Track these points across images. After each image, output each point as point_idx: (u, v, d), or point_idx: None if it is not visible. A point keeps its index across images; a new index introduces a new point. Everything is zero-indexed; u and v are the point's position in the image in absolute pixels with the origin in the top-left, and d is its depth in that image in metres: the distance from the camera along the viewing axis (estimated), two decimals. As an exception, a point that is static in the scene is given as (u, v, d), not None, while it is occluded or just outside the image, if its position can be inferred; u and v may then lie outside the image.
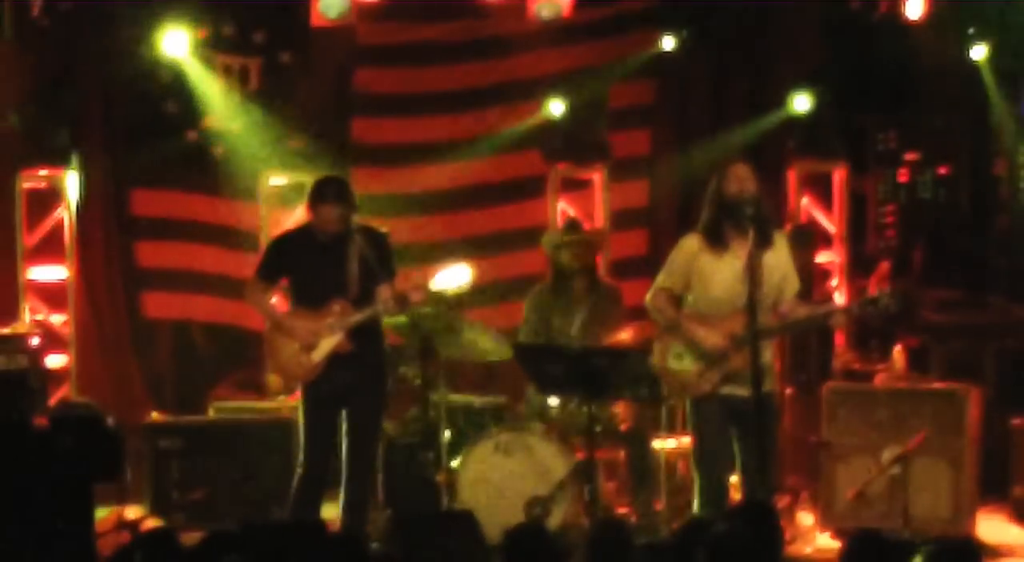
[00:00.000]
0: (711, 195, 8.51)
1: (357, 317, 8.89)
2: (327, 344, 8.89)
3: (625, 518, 9.88)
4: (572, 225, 10.46)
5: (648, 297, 8.64)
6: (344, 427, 8.99)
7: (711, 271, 8.45)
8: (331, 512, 8.96)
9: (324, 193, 8.92)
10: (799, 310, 8.66)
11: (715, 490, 8.47)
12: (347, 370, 8.92)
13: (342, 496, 8.99)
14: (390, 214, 11.03)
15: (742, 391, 8.37)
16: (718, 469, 8.49)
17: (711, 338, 8.37)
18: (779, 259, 8.48)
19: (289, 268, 9.05)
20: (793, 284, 8.58)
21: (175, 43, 11.20)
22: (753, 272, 8.24)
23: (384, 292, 8.88)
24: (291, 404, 10.11)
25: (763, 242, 8.28)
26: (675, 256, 8.60)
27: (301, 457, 9.02)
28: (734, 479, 8.62)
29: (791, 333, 9.65)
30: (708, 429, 8.50)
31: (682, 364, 8.45)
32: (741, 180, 8.38)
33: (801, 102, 11.62)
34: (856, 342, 11.40)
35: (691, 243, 8.54)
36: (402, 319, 9.56)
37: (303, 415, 9.09)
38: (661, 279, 8.61)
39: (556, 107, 11.69)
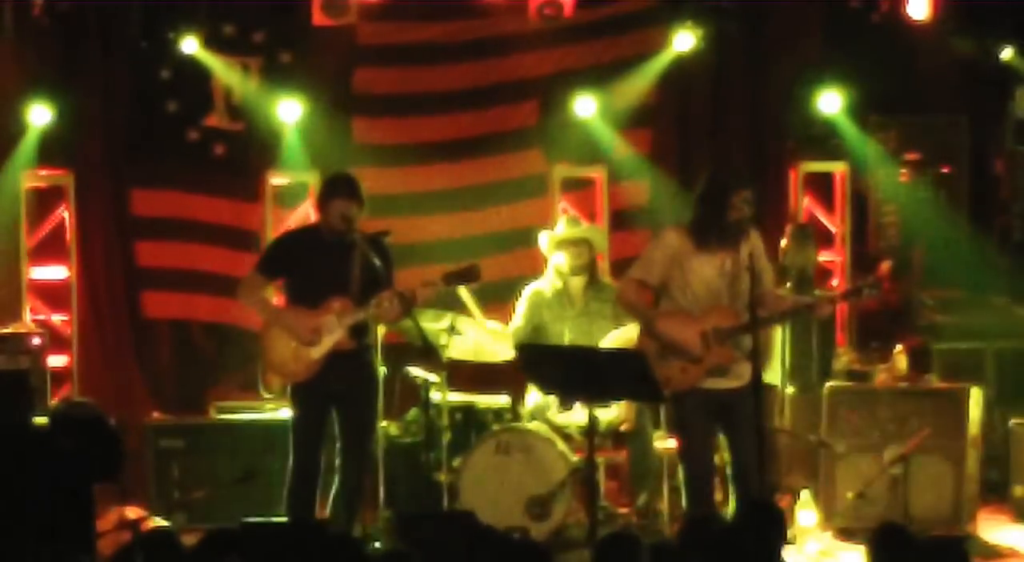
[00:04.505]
0: (707, 197, 8.53)
1: (359, 315, 8.88)
2: (329, 340, 8.89)
3: (626, 518, 9.89)
4: (573, 221, 10.44)
5: (619, 289, 8.67)
6: (338, 426, 8.99)
7: (693, 267, 8.49)
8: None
9: (336, 188, 8.95)
10: (786, 301, 8.76)
11: (701, 485, 8.47)
12: (342, 369, 8.91)
13: (333, 492, 9.00)
14: (390, 214, 11.01)
15: (726, 383, 8.39)
16: (705, 464, 8.49)
17: (685, 337, 8.40)
18: (754, 250, 8.54)
19: (292, 266, 9.04)
20: (769, 274, 8.68)
21: (188, 45, 11.23)
22: (752, 271, 8.28)
23: (385, 296, 8.86)
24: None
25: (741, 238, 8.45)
26: (654, 249, 8.64)
27: (292, 456, 9.03)
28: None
29: (780, 323, 9.67)
30: (692, 423, 8.52)
31: (664, 359, 8.46)
32: (742, 208, 8.45)
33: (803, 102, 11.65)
34: (857, 342, 11.39)
35: (672, 237, 8.56)
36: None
37: (294, 414, 9.10)
38: (635, 271, 8.63)
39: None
